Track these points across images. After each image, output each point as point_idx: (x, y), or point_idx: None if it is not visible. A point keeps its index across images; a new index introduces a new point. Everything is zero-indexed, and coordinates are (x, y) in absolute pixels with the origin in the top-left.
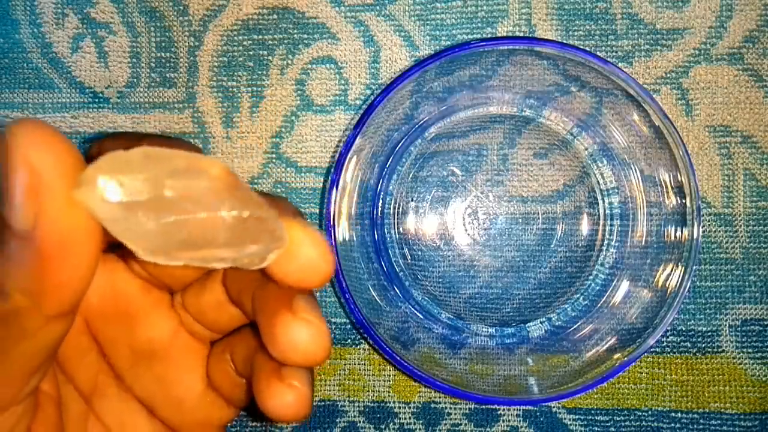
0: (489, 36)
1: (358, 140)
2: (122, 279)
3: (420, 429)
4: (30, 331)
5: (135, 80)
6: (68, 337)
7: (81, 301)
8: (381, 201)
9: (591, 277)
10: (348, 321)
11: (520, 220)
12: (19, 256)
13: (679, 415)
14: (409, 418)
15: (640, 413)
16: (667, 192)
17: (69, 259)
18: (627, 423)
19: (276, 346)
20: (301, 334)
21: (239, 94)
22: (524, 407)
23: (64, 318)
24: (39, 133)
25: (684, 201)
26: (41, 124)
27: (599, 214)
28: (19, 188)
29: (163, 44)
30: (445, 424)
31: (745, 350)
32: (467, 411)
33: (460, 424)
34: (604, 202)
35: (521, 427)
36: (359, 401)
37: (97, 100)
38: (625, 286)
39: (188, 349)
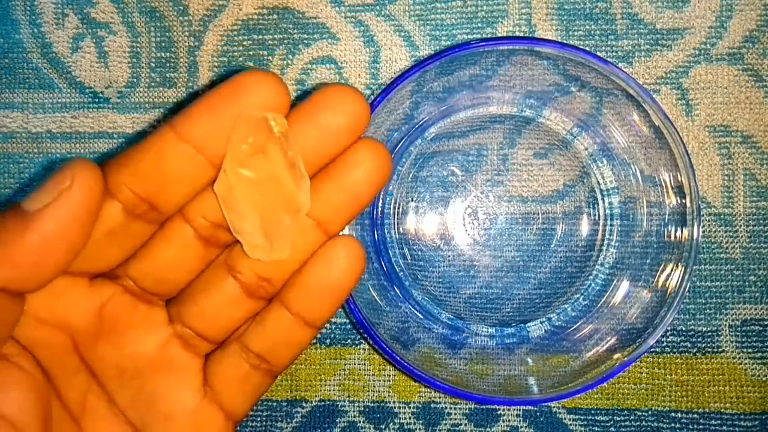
0: (489, 36)
1: None
2: (110, 299)
3: (420, 429)
4: None
5: (135, 80)
6: (57, 357)
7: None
8: (381, 201)
9: (591, 277)
10: (348, 321)
11: (520, 220)
12: (10, 233)
13: (679, 415)
14: (409, 418)
15: (640, 413)
16: (667, 192)
17: (54, 253)
18: (627, 423)
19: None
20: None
21: None
22: (524, 407)
23: (19, 299)
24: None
25: (684, 201)
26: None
27: (599, 214)
28: (49, 183)
29: (163, 44)
30: (445, 424)
31: (745, 350)
32: (467, 411)
33: (460, 424)
34: (604, 202)
35: (521, 427)
36: (359, 401)
37: (97, 100)
38: (625, 286)
39: (179, 364)
